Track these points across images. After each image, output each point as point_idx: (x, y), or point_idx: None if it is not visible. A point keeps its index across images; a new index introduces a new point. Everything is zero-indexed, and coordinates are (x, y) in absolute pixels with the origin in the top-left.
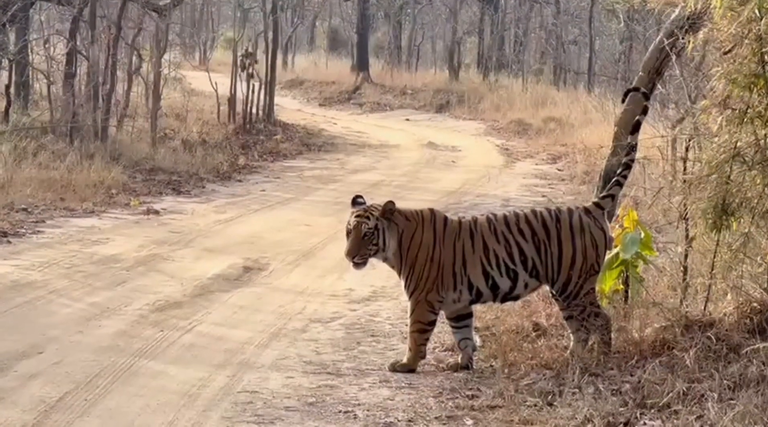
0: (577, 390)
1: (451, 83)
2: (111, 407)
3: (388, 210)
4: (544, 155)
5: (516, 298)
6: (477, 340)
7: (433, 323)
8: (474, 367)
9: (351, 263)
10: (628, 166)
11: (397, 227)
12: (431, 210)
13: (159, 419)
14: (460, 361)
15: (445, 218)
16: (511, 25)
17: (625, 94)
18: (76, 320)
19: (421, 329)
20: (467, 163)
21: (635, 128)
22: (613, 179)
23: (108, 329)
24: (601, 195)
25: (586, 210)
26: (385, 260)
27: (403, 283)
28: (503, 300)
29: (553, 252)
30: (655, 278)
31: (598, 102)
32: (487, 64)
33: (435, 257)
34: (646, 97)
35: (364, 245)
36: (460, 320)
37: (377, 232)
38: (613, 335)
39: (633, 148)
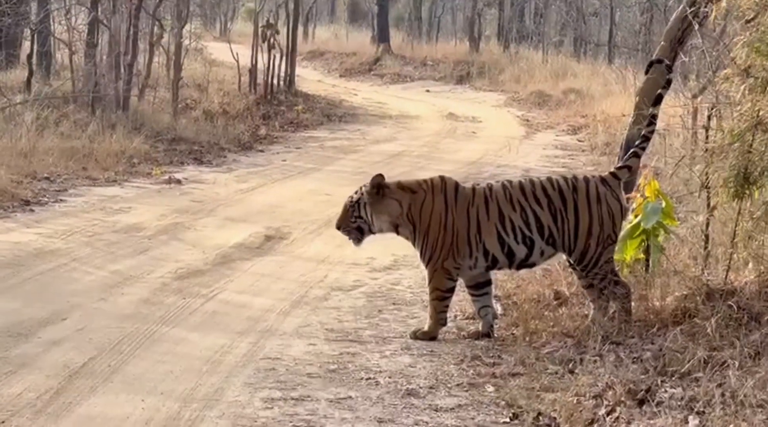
0: (598, 358)
1: (472, 55)
2: (134, 373)
3: (374, 185)
4: (565, 126)
5: (532, 265)
6: (498, 308)
7: (451, 290)
8: (495, 335)
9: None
10: (647, 139)
11: (396, 201)
12: (441, 177)
13: (182, 385)
14: (480, 329)
15: (456, 185)
16: None
17: (649, 66)
18: (99, 288)
19: (440, 297)
20: (487, 134)
21: (657, 101)
22: (631, 150)
23: (131, 297)
24: (618, 166)
25: (603, 180)
26: (380, 231)
27: (419, 252)
28: (519, 267)
29: (570, 221)
30: (676, 247)
31: (619, 74)
32: (508, 35)
33: (448, 224)
34: (669, 69)
35: (347, 217)
36: (479, 287)
37: (358, 205)
38: (633, 304)
39: (653, 119)
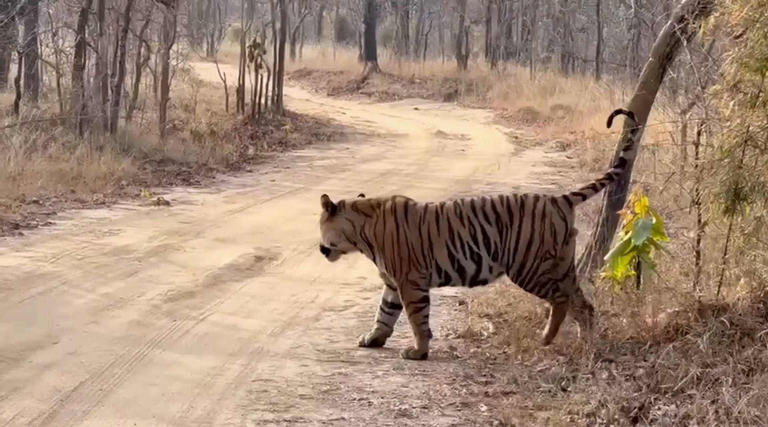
0: (590, 376)
1: (460, 72)
2: (126, 396)
3: (323, 204)
4: (553, 143)
5: (484, 282)
6: (490, 326)
7: (425, 300)
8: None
9: None
10: (610, 178)
11: (348, 221)
12: (392, 198)
13: (174, 407)
14: (366, 337)
15: (406, 204)
16: (518, 13)
17: (610, 118)
18: (90, 311)
19: (416, 309)
20: (477, 152)
21: (627, 147)
22: (590, 183)
23: (121, 320)
24: (573, 192)
25: (553, 200)
26: (339, 247)
27: (385, 271)
28: (471, 284)
29: (512, 236)
30: (668, 263)
31: (607, 89)
32: (495, 52)
33: (401, 240)
34: (633, 117)
35: None
36: (392, 307)
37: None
38: (624, 321)
39: (622, 163)
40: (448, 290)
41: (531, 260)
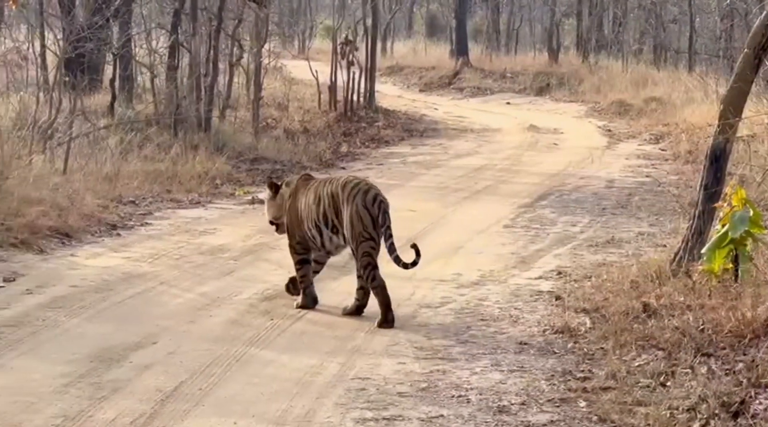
0: (689, 370)
1: (551, 66)
2: (225, 395)
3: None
4: (647, 135)
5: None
6: (587, 322)
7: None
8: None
9: None
10: None
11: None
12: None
13: (273, 406)
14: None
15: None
16: (609, 5)
17: None
18: (188, 311)
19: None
20: (569, 146)
21: None
22: None
23: (219, 319)
24: None
25: None
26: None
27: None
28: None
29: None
30: (766, 255)
31: (700, 81)
32: (587, 45)
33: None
34: None
35: None
36: None
37: None
38: (722, 314)
39: None
40: (545, 285)
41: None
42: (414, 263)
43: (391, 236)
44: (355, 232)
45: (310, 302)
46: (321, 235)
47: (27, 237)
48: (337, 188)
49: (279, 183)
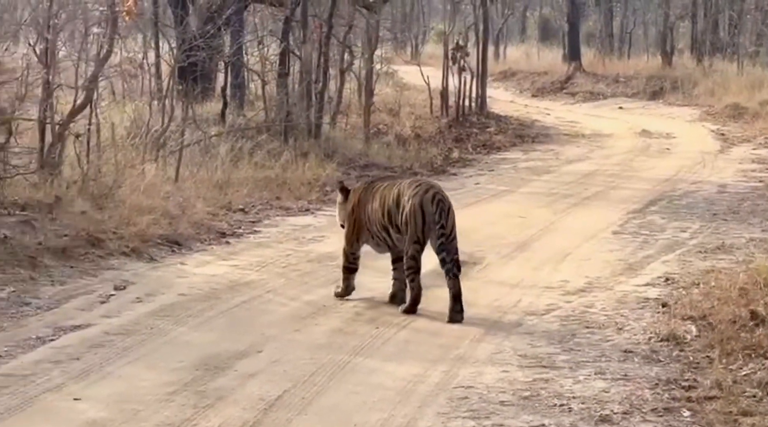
0: None
1: (665, 69)
2: (328, 404)
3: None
4: (762, 139)
5: None
6: (693, 329)
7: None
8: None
9: None
10: None
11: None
12: None
13: (375, 415)
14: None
15: None
16: (725, 7)
17: None
18: (293, 319)
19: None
20: (682, 150)
21: None
22: None
23: (324, 327)
24: None
25: None
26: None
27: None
28: None
29: None
30: None
31: None
32: (701, 48)
33: None
34: None
35: None
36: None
37: None
38: None
39: None
40: (652, 292)
41: None
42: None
43: (444, 235)
44: (410, 232)
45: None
46: (389, 236)
47: (138, 245)
48: (403, 189)
49: (350, 188)
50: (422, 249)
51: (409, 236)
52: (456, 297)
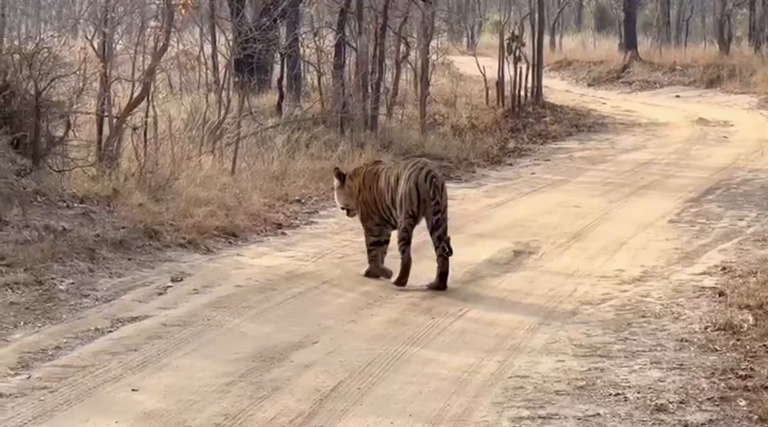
0: None
1: (722, 57)
2: (384, 394)
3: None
4: None
5: None
6: (750, 318)
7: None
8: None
9: None
10: None
11: None
12: None
13: (431, 405)
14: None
15: None
16: None
17: None
18: (349, 310)
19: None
20: (739, 139)
21: None
22: None
23: (380, 318)
24: None
25: None
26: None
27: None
28: None
29: None
30: None
31: None
32: (759, 35)
33: None
34: None
35: None
36: None
37: None
38: None
39: None
40: (708, 281)
41: None
42: (449, 252)
43: (439, 211)
44: (404, 208)
45: (376, 271)
46: (392, 215)
47: (195, 237)
48: (400, 170)
49: (345, 173)
50: (415, 223)
51: (404, 210)
52: (442, 276)
